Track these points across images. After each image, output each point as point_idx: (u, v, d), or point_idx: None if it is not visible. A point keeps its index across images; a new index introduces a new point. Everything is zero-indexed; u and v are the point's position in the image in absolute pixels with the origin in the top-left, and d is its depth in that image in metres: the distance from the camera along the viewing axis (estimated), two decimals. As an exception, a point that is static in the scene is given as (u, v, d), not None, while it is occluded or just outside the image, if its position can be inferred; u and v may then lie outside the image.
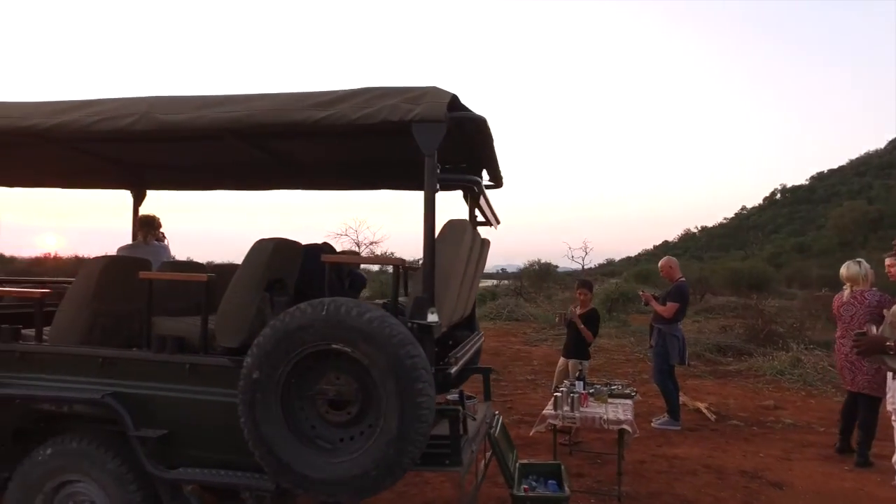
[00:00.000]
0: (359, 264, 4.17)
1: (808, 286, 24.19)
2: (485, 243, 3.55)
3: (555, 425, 4.21)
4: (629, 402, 4.56)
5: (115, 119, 2.60)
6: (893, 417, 4.16)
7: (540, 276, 24.37)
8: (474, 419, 2.98)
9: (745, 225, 78.85)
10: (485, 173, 3.46)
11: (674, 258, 6.42)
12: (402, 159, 3.36)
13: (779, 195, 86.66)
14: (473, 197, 3.62)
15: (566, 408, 4.16)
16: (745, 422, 6.24)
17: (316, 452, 2.23)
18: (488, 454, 3.49)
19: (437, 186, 2.34)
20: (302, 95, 2.47)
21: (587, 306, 5.60)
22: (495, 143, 2.90)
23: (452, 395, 3.15)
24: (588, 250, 29.63)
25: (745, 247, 49.34)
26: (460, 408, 2.59)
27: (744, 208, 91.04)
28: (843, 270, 5.11)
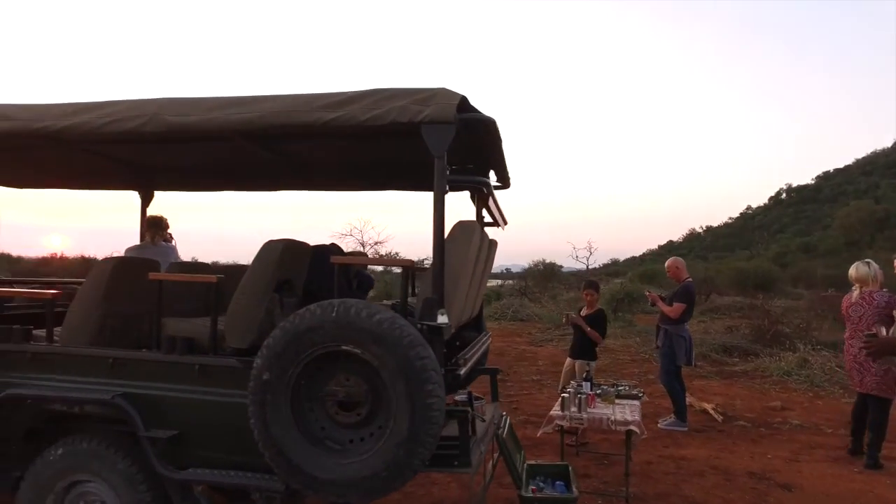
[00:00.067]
0: (366, 265, 4.18)
1: (813, 286, 24.09)
2: (492, 244, 3.55)
3: (562, 426, 4.20)
4: (636, 403, 4.55)
5: (125, 121, 2.61)
6: None
7: (544, 276, 24.36)
8: (483, 420, 2.98)
9: (750, 225, 78.57)
10: (492, 174, 3.46)
11: (680, 258, 6.40)
12: (409, 160, 3.36)
13: (784, 195, 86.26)
14: (481, 198, 3.63)
15: (573, 409, 4.16)
16: (753, 423, 6.21)
17: (326, 453, 2.23)
18: (495, 455, 3.49)
19: (447, 188, 2.34)
20: (311, 97, 2.47)
21: (594, 307, 5.59)
22: (504, 144, 2.90)
23: (460, 396, 3.16)
24: (592, 250, 29.58)
25: (750, 247, 49.13)
26: (469, 409, 2.58)
27: (749, 208, 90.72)
28: (853, 271, 5.08)
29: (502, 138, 2.77)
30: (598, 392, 4.52)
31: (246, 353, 2.53)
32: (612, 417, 4.13)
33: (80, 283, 4.42)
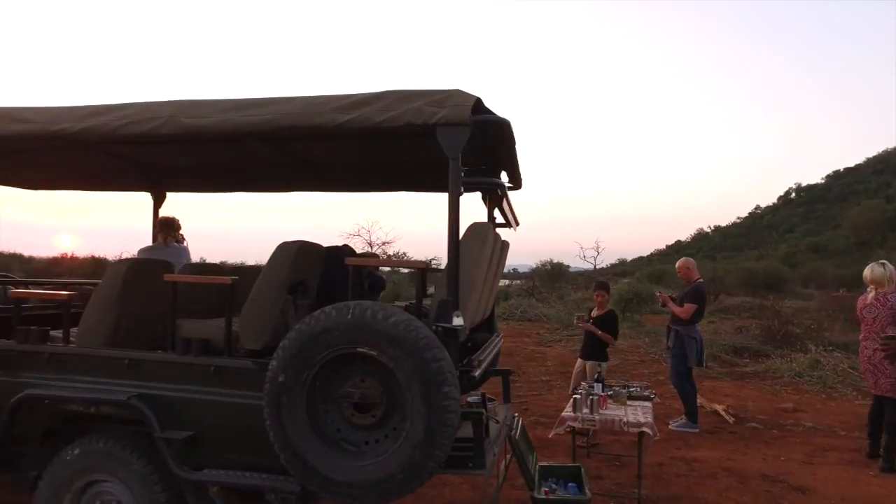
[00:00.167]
0: (379, 267, 4.18)
1: (824, 286, 23.92)
2: (504, 245, 3.55)
3: (574, 427, 4.19)
4: (648, 404, 4.53)
5: (141, 123, 2.63)
6: None
7: (552, 276, 24.28)
8: (497, 422, 2.98)
9: (759, 224, 77.99)
10: (504, 175, 3.46)
11: (691, 259, 6.37)
12: (422, 161, 3.37)
13: (794, 194, 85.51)
14: (492, 198, 3.62)
15: (585, 410, 4.14)
16: (765, 424, 6.17)
17: (341, 455, 2.24)
18: (508, 456, 3.49)
19: (462, 189, 2.34)
20: (326, 98, 2.47)
21: (605, 308, 5.57)
22: (517, 146, 2.89)
23: (473, 398, 3.15)
24: (600, 250, 29.48)
25: (759, 246, 48.80)
26: (483, 410, 2.58)
27: (758, 207, 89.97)
28: (867, 273, 5.03)
29: (516, 140, 2.77)
30: (609, 393, 4.50)
31: (260, 354, 2.54)
32: (625, 419, 4.11)
33: (93, 284, 4.47)
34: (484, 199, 3.72)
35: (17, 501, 3.19)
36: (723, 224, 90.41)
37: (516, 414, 3.79)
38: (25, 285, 4.52)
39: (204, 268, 3.82)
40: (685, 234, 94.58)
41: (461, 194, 2.34)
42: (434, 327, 2.25)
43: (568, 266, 27.38)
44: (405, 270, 18.48)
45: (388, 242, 21.42)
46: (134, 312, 2.89)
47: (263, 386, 2.27)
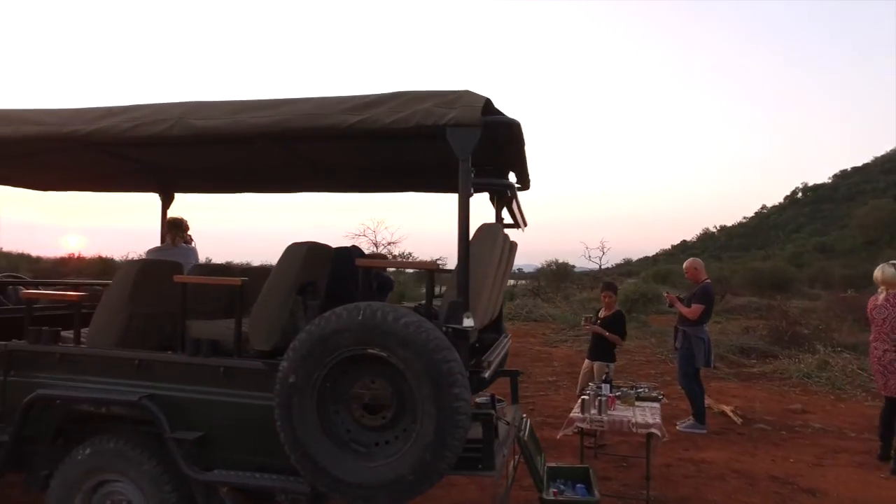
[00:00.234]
0: (389, 268, 4.19)
1: (831, 287, 23.80)
2: (513, 246, 3.54)
3: (582, 428, 4.18)
4: (656, 405, 4.51)
5: (152, 124, 2.64)
6: None
7: (557, 276, 24.23)
8: (508, 423, 2.97)
9: (765, 224, 77.56)
10: (511, 175, 3.45)
11: (699, 259, 6.34)
12: (431, 162, 3.37)
13: (800, 194, 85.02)
14: (500, 199, 3.62)
15: (593, 411, 4.14)
16: (773, 426, 6.13)
17: (352, 456, 2.24)
18: (516, 457, 3.48)
19: (472, 190, 2.34)
20: (336, 100, 2.48)
21: (612, 308, 5.56)
22: (526, 147, 2.89)
23: (481, 399, 3.15)
24: (605, 250, 29.41)
25: (765, 246, 48.55)
26: (493, 411, 2.58)
27: (764, 207, 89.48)
28: (878, 273, 4.99)
29: (525, 141, 2.76)
30: (617, 394, 4.49)
31: (270, 355, 2.54)
32: (633, 420, 4.10)
33: (102, 285, 4.49)
34: (492, 199, 3.72)
35: (28, 501, 3.22)
36: (729, 224, 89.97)
37: (524, 415, 3.79)
38: (36, 286, 4.54)
39: (212, 268, 3.83)
40: (691, 234, 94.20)
41: (471, 195, 2.34)
42: (444, 328, 2.25)
43: (573, 266, 27.33)
44: (410, 271, 18.51)
45: (393, 242, 21.44)
46: (144, 313, 2.91)
47: (274, 387, 2.27)
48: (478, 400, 3.11)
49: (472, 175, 2.33)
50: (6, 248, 21.80)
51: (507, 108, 2.43)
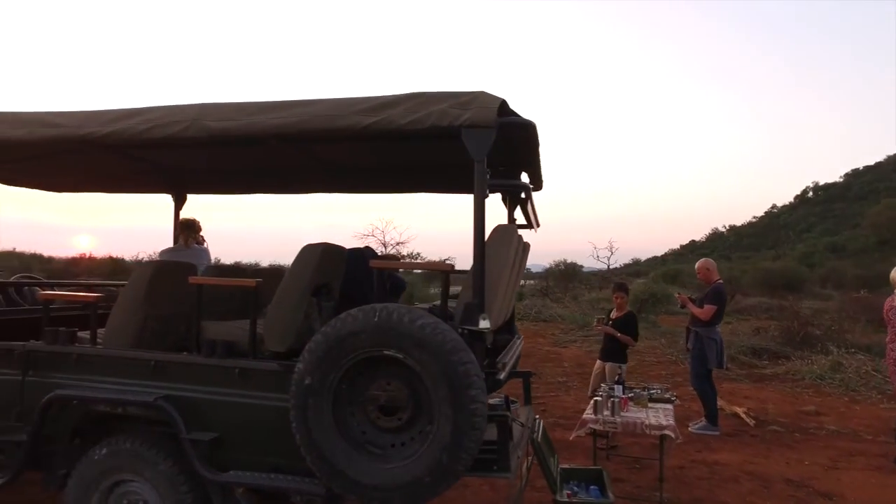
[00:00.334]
0: (403, 269, 4.19)
1: (843, 287, 23.56)
2: (526, 247, 3.53)
3: (594, 430, 4.16)
4: (669, 406, 4.48)
5: (167, 126, 2.65)
6: None
7: (565, 276, 24.15)
8: (523, 425, 2.97)
9: (775, 224, 76.92)
10: (524, 175, 3.44)
11: (711, 260, 6.30)
12: (443, 162, 3.36)
13: (811, 193, 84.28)
14: (512, 200, 3.61)
15: (606, 412, 4.12)
16: (786, 427, 6.08)
17: (367, 458, 2.24)
18: (529, 458, 3.47)
19: (487, 191, 2.33)
20: (351, 101, 2.48)
21: (624, 309, 5.53)
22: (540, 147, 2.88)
23: (495, 400, 3.14)
24: (613, 250, 29.28)
25: (776, 246, 48.11)
26: (508, 413, 2.57)
27: (774, 207, 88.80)
28: (894, 274, 4.94)
29: (540, 142, 2.75)
30: (630, 395, 4.46)
31: (284, 356, 2.55)
32: (646, 421, 4.07)
33: (117, 285, 4.52)
34: (504, 200, 3.70)
35: (46, 498, 3.25)
36: (738, 224, 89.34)
37: (537, 416, 3.77)
38: (51, 287, 4.58)
39: (225, 269, 3.85)
40: (700, 234, 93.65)
41: (487, 196, 2.33)
42: (460, 330, 2.24)
43: (581, 266, 27.25)
44: (418, 271, 18.51)
45: (401, 243, 21.46)
46: (159, 314, 2.92)
47: (289, 388, 2.28)
48: (491, 401, 3.10)
49: (488, 176, 2.32)
50: (19, 249, 22.07)
51: (514, 105, 2.42)
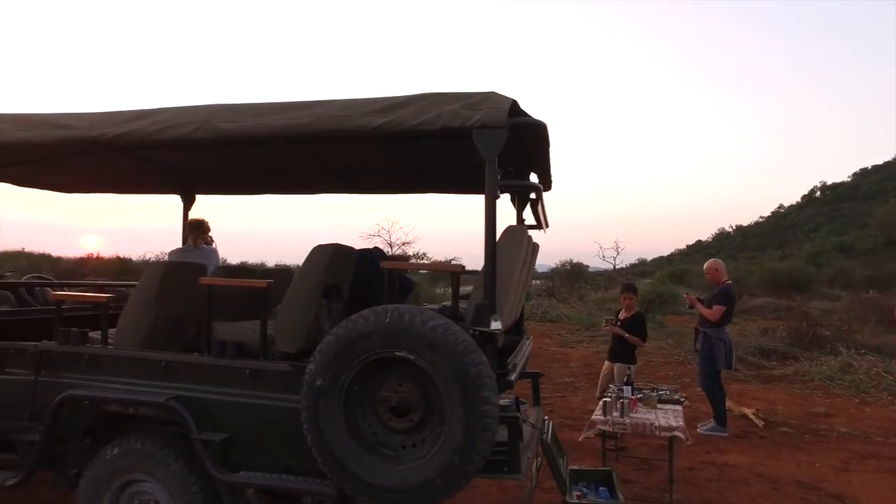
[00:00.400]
0: (414, 269, 4.19)
1: (851, 287, 23.38)
2: (535, 247, 3.52)
3: (603, 431, 4.14)
4: (679, 407, 4.46)
5: (177, 127, 2.66)
6: None
7: (571, 276, 24.07)
8: (533, 426, 2.96)
9: (782, 224, 76.53)
10: (533, 175, 3.43)
11: (720, 261, 6.26)
12: (452, 163, 3.36)
13: (818, 192, 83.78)
14: (521, 201, 3.60)
15: (615, 413, 4.10)
16: (796, 429, 6.03)
17: (378, 459, 2.24)
18: (538, 459, 3.46)
19: (498, 192, 2.32)
20: (361, 102, 2.48)
21: (632, 310, 5.52)
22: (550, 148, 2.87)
23: (504, 401, 3.13)
24: (619, 250, 29.17)
25: (783, 246, 47.82)
26: (519, 414, 2.56)
27: (781, 206, 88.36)
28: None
29: (550, 142, 2.74)
30: (639, 396, 4.44)
31: (295, 357, 2.55)
32: (656, 423, 4.05)
33: (128, 286, 4.54)
34: (512, 200, 3.70)
35: (57, 497, 3.27)
36: (745, 224, 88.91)
37: (546, 417, 3.76)
38: (62, 287, 4.61)
39: (234, 270, 3.86)
40: (706, 234, 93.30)
41: (498, 197, 2.33)
42: (471, 331, 2.24)
43: (587, 266, 27.15)
44: (423, 271, 18.50)
45: (407, 243, 21.44)
46: (169, 314, 2.93)
47: (301, 389, 2.28)
48: (501, 402, 3.09)
49: (499, 177, 2.32)
50: (28, 249, 22.23)
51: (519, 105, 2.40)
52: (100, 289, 4.76)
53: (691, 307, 6.14)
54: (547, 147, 2.80)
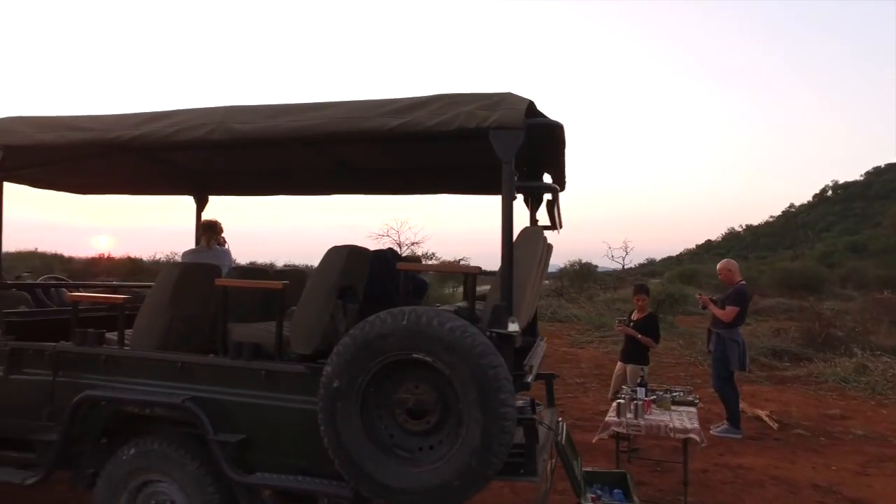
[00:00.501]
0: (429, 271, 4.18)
1: (864, 287, 23.11)
2: (550, 248, 3.51)
3: (618, 432, 4.12)
4: (693, 409, 4.43)
5: (193, 129, 2.67)
6: None
7: (580, 276, 23.99)
8: (550, 428, 2.94)
9: (793, 223, 75.80)
10: (546, 176, 3.42)
11: (733, 261, 6.22)
12: (466, 163, 3.35)
13: (830, 192, 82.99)
14: (534, 201, 3.58)
15: (629, 415, 4.07)
16: (811, 431, 5.97)
17: (395, 461, 2.23)
18: (552, 461, 3.44)
19: (515, 193, 2.31)
20: (376, 103, 2.48)
21: (645, 311, 5.48)
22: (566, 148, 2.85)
23: (519, 403, 3.12)
24: (628, 250, 29.08)
25: (794, 246, 47.40)
26: (535, 416, 2.55)
27: (792, 206, 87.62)
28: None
29: (566, 142, 2.73)
30: (653, 398, 4.41)
31: (310, 358, 2.55)
32: (670, 425, 4.03)
33: (141, 286, 4.57)
34: (526, 201, 3.68)
35: (74, 497, 3.29)
36: (755, 223, 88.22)
37: (560, 418, 3.74)
38: (77, 288, 4.64)
39: (249, 271, 3.87)
40: (716, 234, 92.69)
41: (515, 198, 2.32)
42: (488, 333, 2.23)
43: (596, 266, 27.04)
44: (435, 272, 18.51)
45: (416, 243, 21.46)
46: (185, 315, 2.94)
47: (317, 391, 2.28)
48: (517, 404, 3.08)
49: (516, 178, 2.31)
50: (41, 249, 22.48)
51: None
52: (114, 289, 4.79)
53: (704, 308, 6.09)
54: (563, 147, 2.79)
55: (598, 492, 3.53)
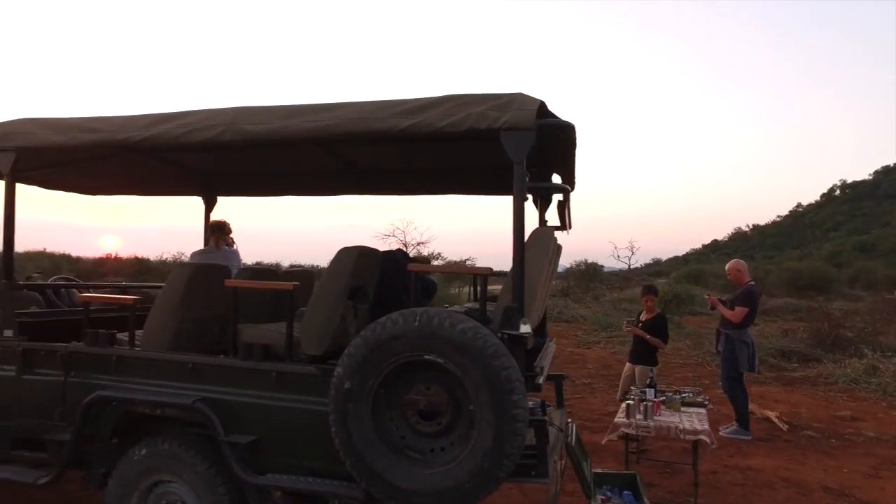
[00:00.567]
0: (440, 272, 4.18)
1: (873, 287, 22.93)
2: (559, 249, 3.50)
3: (627, 434, 4.10)
4: (703, 410, 4.40)
5: (204, 130, 2.68)
6: None
7: (586, 276, 23.92)
8: (561, 430, 2.93)
9: (800, 223, 75.46)
10: (556, 176, 3.40)
11: (742, 261, 6.18)
12: (476, 164, 3.34)
13: (838, 191, 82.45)
14: (544, 202, 3.57)
15: (639, 416, 4.05)
16: (821, 433, 5.92)
17: (407, 463, 2.23)
18: (562, 462, 3.43)
19: (526, 194, 2.30)
20: (387, 104, 2.47)
21: (654, 312, 5.46)
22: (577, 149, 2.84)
23: (530, 404, 3.11)
24: (634, 250, 28.92)
25: (801, 246, 47.11)
26: (546, 418, 2.54)
27: (799, 205, 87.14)
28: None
29: (577, 143, 2.71)
30: (662, 399, 4.39)
31: (320, 359, 2.55)
32: (680, 426, 4.00)
33: (151, 287, 4.59)
34: (535, 201, 3.67)
35: (85, 496, 3.30)
36: (762, 223, 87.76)
37: (570, 419, 3.73)
38: (87, 288, 4.66)
39: (258, 272, 3.87)
40: (722, 234, 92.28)
41: (526, 199, 2.31)
42: (499, 334, 2.22)
43: (602, 266, 26.95)
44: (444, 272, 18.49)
45: (422, 243, 21.45)
46: (196, 316, 2.95)
47: (328, 392, 2.27)
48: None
49: (527, 179, 2.30)
50: (49, 249, 22.65)
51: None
52: (124, 290, 4.81)
53: (713, 308, 6.05)
54: (574, 148, 2.78)
55: (608, 493, 3.52)
